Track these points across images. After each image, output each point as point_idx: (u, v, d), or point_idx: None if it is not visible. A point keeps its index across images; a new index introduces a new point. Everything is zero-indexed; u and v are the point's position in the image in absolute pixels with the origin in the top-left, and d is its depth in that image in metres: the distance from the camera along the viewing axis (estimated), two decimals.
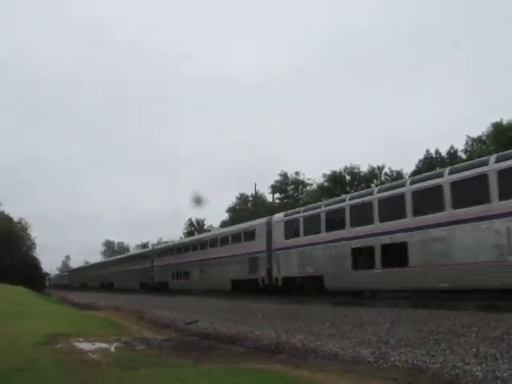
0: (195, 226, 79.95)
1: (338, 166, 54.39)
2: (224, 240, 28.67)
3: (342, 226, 18.43)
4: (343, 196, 21.26)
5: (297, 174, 62.50)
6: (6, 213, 66.54)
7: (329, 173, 54.55)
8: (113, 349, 8.45)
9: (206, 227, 76.26)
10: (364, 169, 54.10)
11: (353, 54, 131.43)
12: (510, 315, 8.48)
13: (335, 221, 19.03)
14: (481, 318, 8.57)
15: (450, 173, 14.58)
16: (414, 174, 42.78)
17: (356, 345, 7.64)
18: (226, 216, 69.97)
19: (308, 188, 62.07)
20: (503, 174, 12.76)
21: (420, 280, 14.76)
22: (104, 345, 8.82)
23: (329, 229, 19.24)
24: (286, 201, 60.59)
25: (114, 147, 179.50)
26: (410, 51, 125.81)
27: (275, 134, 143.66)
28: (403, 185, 16.51)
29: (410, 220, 15.38)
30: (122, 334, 10.82)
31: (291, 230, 21.80)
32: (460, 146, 47.08)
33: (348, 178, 54.31)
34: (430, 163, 45.08)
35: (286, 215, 23.25)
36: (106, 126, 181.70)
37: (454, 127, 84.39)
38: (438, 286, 14.49)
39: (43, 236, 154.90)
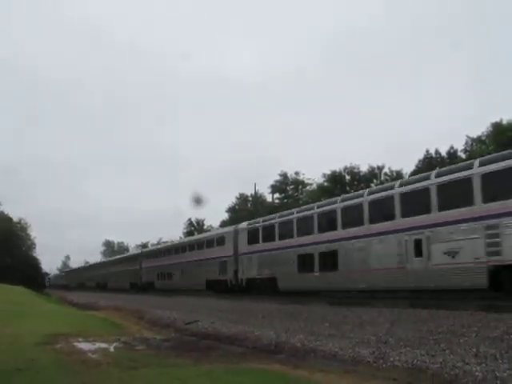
0: (195, 226, 79.98)
1: (337, 166, 54.48)
2: (200, 245, 32.19)
3: (291, 235, 21.83)
4: (292, 210, 24.50)
5: (297, 173, 62.54)
6: (6, 213, 66.59)
7: (329, 173, 54.60)
8: (112, 349, 8.45)
9: (205, 227, 76.29)
10: (364, 169, 54.18)
11: (353, 54, 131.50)
12: (510, 315, 8.48)
13: (286, 231, 22.34)
14: (481, 318, 8.57)
15: (369, 194, 18.13)
16: (413, 173, 42.80)
17: (356, 345, 7.64)
18: (225, 216, 70.02)
19: (308, 188, 62.10)
20: (406, 197, 16.05)
21: (346, 282, 17.93)
22: (104, 345, 8.82)
23: (281, 237, 22.66)
24: (285, 201, 60.59)
25: (113, 147, 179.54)
26: (410, 51, 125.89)
27: (275, 134, 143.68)
28: (335, 202, 19.89)
29: (339, 232, 18.67)
30: (122, 334, 10.83)
31: (252, 237, 25.07)
32: (460, 145, 47.16)
33: (348, 177, 54.35)
34: (430, 163, 45.09)
35: (248, 224, 26.65)
36: (105, 126, 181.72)
37: (453, 127, 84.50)
38: (359, 287, 17.60)
39: (43, 236, 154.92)
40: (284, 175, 62.75)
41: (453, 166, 16.79)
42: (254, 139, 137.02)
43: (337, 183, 53.26)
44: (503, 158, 13.46)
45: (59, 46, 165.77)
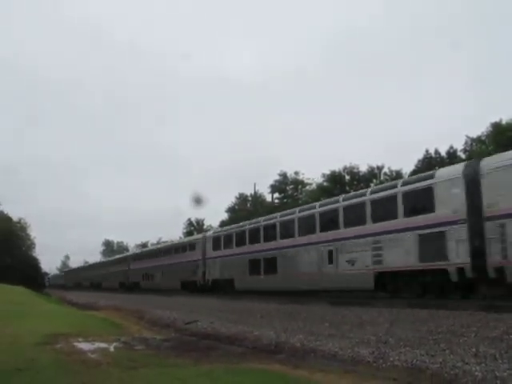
0: (194, 226, 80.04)
1: (337, 166, 54.47)
2: (177, 250, 36.56)
3: (244, 243, 25.78)
4: (245, 222, 28.62)
5: (296, 173, 62.53)
6: (6, 213, 66.57)
7: (328, 173, 54.60)
8: (112, 349, 8.45)
9: (205, 227, 76.29)
10: (363, 169, 54.18)
11: (353, 54, 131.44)
12: (510, 315, 8.49)
13: (241, 239, 26.31)
14: (480, 318, 8.58)
15: (299, 211, 22.21)
16: (413, 173, 42.79)
17: (355, 345, 7.65)
18: (225, 216, 70.04)
19: (307, 188, 62.10)
20: (322, 215, 19.95)
21: (284, 283, 21.70)
22: (103, 345, 8.83)
23: (237, 245, 26.64)
24: (285, 201, 60.60)
25: (113, 147, 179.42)
26: (410, 51, 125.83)
27: (275, 134, 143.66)
28: (275, 217, 24.14)
29: (278, 242, 22.73)
30: (122, 334, 10.83)
31: (216, 244, 29.18)
32: (459, 145, 47.15)
33: (347, 177, 54.36)
34: (430, 163, 45.09)
35: (214, 233, 31.57)
36: (105, 126, 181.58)
37: (453, 127, 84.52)
38: (292, 288, 21.03)
39: (43, 236, 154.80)
40: (284, 175, 62.74)
41: (357, 192, 21.82)
42: (253, 139, 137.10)
43: (336, 183, 53.26)
44: (386, 188, 18.13)
45: (59, 46, 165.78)
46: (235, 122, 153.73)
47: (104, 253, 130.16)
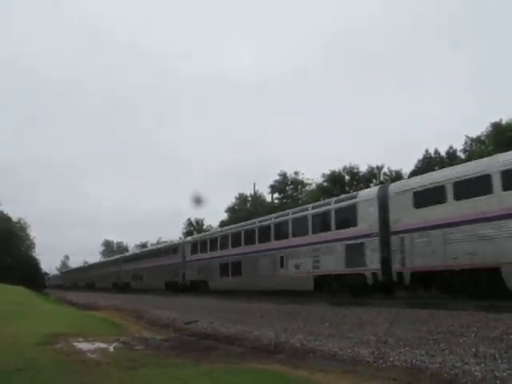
0: (194, 226, 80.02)
1: (337, 166, 54.47)
2: (161, 253, 39.83)
3: (216, 249, 28.95)
4: (217, 229, 34.11)
5: (296, 173, 62.50)
6: (5, 213, 66.55)
7: (328, 173, 54.58)
8: (112, 349, 8.46)
9: (205, 227, 76.31)
10: (363, 169, 54.13)
11: (353, 54, 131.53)
12: (509, 315, 8.50)
13: (213, 245, 29.63)
14: (480, 318, 8.58)
15: (258, 222, 25.52)
16: (413, 173, 42.80)
17: (355, 345, 7.65)
18: (225, 216, 70.03)
19: (307, 188, 62.08)
20: (276, 226, 23.17)
21: (247, 284, 24.59)
22: (103, 345, 8.83)
23: (210, 250, 29.85)
24: (284, 201, 60.58)
25: (114, 147, 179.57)
26: (410, 51, 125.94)
27: (275, 133, 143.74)
28: (241, 226, 27.32)
29: (243, 248, 25.67)
30: (121, 334, 10.83)
31: (194, 249, 32.54)
32: (459, 146, 47.15)
33: (347, 177, 54.34)
34: (429, 163, 45.12)
35: (192, 239, 35.64)
36: (105, 126, 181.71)
37: (453, 127, 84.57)
38: (254, 287, 23.96)
39: (43, 236, 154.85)
40: (283, 175, 62.71)
41: (302, 207, 24.26)
42: (254, 139, 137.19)
43: (336, 183, 53.24)
44: (323, 204, 20.73)
45: (59, 46, 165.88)
46: (235, 122, 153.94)
47: (104, 253, 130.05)
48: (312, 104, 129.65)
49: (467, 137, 46.31)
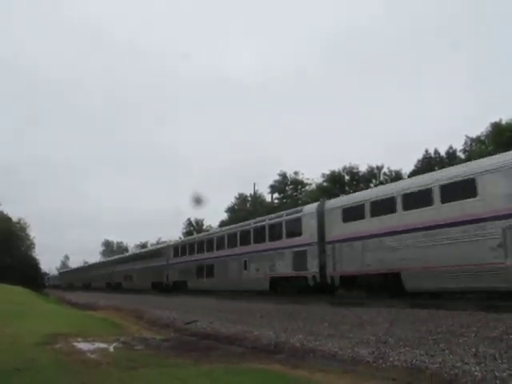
0: (194, 226, 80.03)
1: (337, 166, 54.51)
2: (149, 255, 43.61)
3: (193, 252, 32.58)
4: (195, 235, 39.66)
5: (296, 173, 62.54)
6: (5, 213, 66.54)
7: (328, 173, 54.58)
8: (112, 349, 8.45)
9: (204, 227, 76.33)
10: (363, 169, 54.19)
11: (353, 54, 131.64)
12: (509, 315, 8.50)
13: (191, 250, 33.26)
14: (480, 318, 8.58)
15: (227, 230, 29.56)
16: (412, 173, 42.82)
17: (355, 345, 7.65)
18: (225, 216, 70.04)
19: (307, 188, 62.08)
20: (242, 234, 26.29)
21: (219, 285, 28.04)
22: (103, 345, 8.82)
23: (189, 254, 33.46)
24: (284, 201, 60.59)
25: (114, 147, 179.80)
26: (410, 51, 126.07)
27: (275, 134, 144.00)
28: (214, 233, 31.80)
29: (215, 253, 29.11)
30: (121, 334, 10.82)
31: (176, 252, 36.02)
32: (459, 146, 47.16)
33: (347, 178, 54.35)
34: (429, 163, 45.14)
35: (175, 243, 39.43)
36: (105, 126, 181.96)
37: (453, 127, 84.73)
38: (224, 288, 27.43)
39: (43, 236, 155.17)
40: (283, 175, 62.74)
41: (261, 218, 27.20)
42: (254, 139, 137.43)
43: (336, 183, 53.26)
44: (277, 216, 23.81)
45: (59, 46, 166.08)
46: (235, 122, 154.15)
47: (104, 253, 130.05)
48: (312, 104, 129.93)
49: (467, 137, 46.35)
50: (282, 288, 21.88)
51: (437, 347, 6.81)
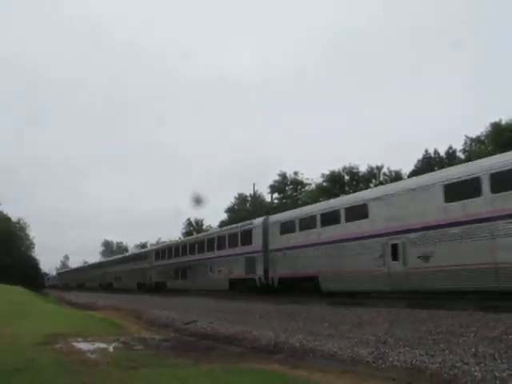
0: (194, 226, 79.98)
1: (337, 166, 54.51)
2: (135, 258, 48.02)
3: (171, 257, 37.12)
4: (173, 241, 46.47)
5: (295, 174, 62.52)
6: (5, 213, 66.49)
7: (327, 173, 54.57)
8: (112, 349, 8.44)
9: (204, 227, 76.28)
10: (363, 169, 54.21)
11: (353, 54, 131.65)
12: (509, 315, 8.50)
13: (170, 253, 37.67)
14: (479, 318, 8.58)
15: (196, 238, 35.85)
16: (412, 173, 42.83)
17: (355, 345, 7.65)
18: (224, 216, 70.00)
19: (307, 188, 62.07)
20: (208, 241, 30.77)
21: (191, 285, 31.84)
22: (103, 345, 8.82)
23: (167, 258, 37.98)
24: (284, 201, 60.59)
25: (114, 147, 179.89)
26: (410, 51, 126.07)
27: (275, 134, 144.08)
28: (187, 240, 37.29)
29: (188, 257, 33.41)
30: (121, 334, 10.81)
31: (157, 256, 40.66)
32: (459, 146, 47.15)
33: (347, 178, 54.34)
34: (429, 163, 45.14)
35: (156, 248, 44.02)
36: (106, 126, 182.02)
37: (453, 127, 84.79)
38: (196, 288, 31.10)
39: (43, 236, 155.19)
40: (283, 175, 62.75)
41: (223, 228, 34.27)
42: (254, 139, 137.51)
43: (336, 183, 53.27)
44: (235, 227, 28.16)
45: (59, 46, 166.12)
46: (235, 122, 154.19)
47: (103, 253, 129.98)
48: (312, 104, 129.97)
49: (467, 137, 46.34)
50: (238, 288, 25.67)
51: (437, 347, 6.81)
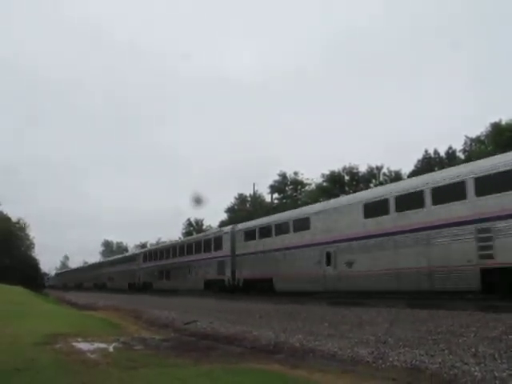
0: (194, 226, 79.95)
1: (337, 166, 54.49)
2: (125, 260, 52.82)
3: (156, 259, 41.38)
4: (158, 246, 52.96)
5: (295, 174, 62.52)
6: (5, 213, 66.46)
7: (327, 173, 54.56)
8: (111, 349, 8.44)
9: (204, 227, 76.25)
10: (363, 169, 54.20)
11: (353, 54, 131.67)
12: (509, 315, 8.51)
13: (155, 256, 42.29)
14: (479, 318, 8.58)
15: (174, 245, 40.06)
16: (412, 174, 42.82)
17: (355, 345, 7.65)
18: (224, 216, 69.97)
19: (307, 188, 62.05)
20: (188, 246, 35.34)
21: (173, 285, 35.53)
22: (102, 345, 8.81)
23: (153, 260, 42.29)
24: (284, 201, 60.57)
25: (114, 147, 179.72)
26: (410, 51, 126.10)
27: (275, 134, 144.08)
28: (170, 245, 42.32)
29: (169, 260, 38.05)
30: (121, 334, 10.81)
31: (145, 258, 45.08)
32: (459, 146, 47.12)
33: (347, 178, 54.33)
34: (429, 163, 45.13)
35: (144, 251, 49.77)
36: (105, 126, 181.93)
37: (453, 127, 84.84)
38: (176, 287, 34.16)
39: (43, 236, 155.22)
40: (283, 175, 62.74)
41: (199, 235, 40.93)
42: (254, 139, 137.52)
43: (336, 183, 53.26)
44: (208, 234, 33.28)
45: (59, 46, 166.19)
46: (235, 122, 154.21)
47: (103, 253, 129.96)
48: (312, 104, 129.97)
49: (467, 137, 46.33)
50: (212, 288, 29.13)
51: (436, 347, 6.81)
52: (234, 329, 10.77)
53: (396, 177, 47.91)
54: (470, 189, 14.51)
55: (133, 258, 49.43)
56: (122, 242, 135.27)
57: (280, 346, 8.54)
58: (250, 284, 25.42)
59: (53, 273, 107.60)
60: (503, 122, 41.47)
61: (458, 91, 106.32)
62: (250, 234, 26.18)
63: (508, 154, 14.61)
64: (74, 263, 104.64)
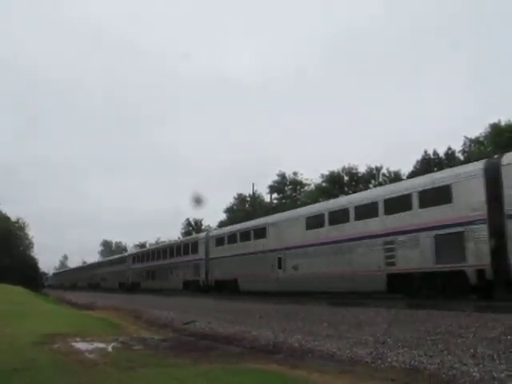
0: (193, 226, 79.93)
1: (336, 167, 54.48)
2: (116, 262, 56.13)
3: (144, 260, 44.41)
4: (147, 248, 59.32)
5: (295, 174, 62.52)
6: (4, 212, 66.39)
7: (327, 173, 54.56)
8: (110, 349, 8.43)
9: (203, 227, 76.21)
10: (362, 169, 54.18)
11: (353, 54, 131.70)
12: (508, 316, 8.51)
13: (143, 258, 45.18)
14: (478, 319, 8.59)
15: (158, 248, 45.07)
16: (412, 174, 42.82)
17: (353, 345, 7.65)
18: (224, 216, 69.96)
19: (306, 188, 62.05)
20: (178, 248, 37.86)
21: (158, 285, 38.24)
22: (101, 345, 8.81)
23: (141, 261, 45.33)
24: (283, 201, 60.57)
25: (114, 147, 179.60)
26: (410, 51, 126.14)
27: (275, 134, 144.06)
28: (155, 248, 46.86)
29: (155, 262, 40.76)
30: (120, 334, 10.80)
31: (134, 260, 48.35)
32: (458, 146, 47.11)
33: (346, 178, 54.34)
34: (428, 164, 45.12)
35: (132, 253, 54.34)
36: (105, 126, 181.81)
37: (453, 127, 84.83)
38: (161, 287, 36.80)
39: (42, 236, 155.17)
40: (282, 175, 62.74)
41: (189, 237, 45.19)
42: (254, 139, 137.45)
43: (335, 184, 53.27)
44: (189, 239, 38.16)
45: (59, 46, 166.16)
46: (235, 121, 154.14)
47: (102, 253, 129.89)
48: (312, 104, 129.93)
49: (466, 137, 46.32)
50: (189, 287, 32.11)
51: (435, 348, 6.82)
52: (233, 329, 10.77)
53: (395, 177, 47.91)
54: (381, 209, 17.60)
55: (123, 259, 53.14)
56: (121, 242, 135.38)
57: (279, 346, 8.54)
58: (221, 284, 28.62)
59: (51, 272, 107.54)
60: (502, 123, 41.50)
61: (458, 91, 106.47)
62: (220, 240, 29.71)
63: (407, 180, 18.77)
64: (73, 263, 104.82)
